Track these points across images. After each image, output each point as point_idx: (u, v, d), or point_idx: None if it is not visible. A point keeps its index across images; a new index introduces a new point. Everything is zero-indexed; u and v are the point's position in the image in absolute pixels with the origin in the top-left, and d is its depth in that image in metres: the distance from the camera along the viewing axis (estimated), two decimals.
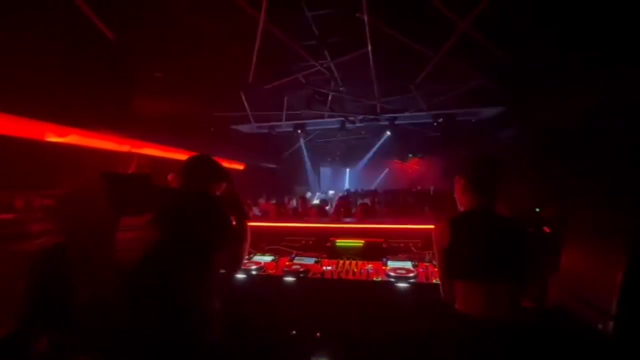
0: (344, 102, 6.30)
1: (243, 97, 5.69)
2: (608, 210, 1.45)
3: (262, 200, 6.54)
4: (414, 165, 14.50)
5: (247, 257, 1.47)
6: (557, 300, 1.56)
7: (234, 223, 1.36)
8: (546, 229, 2.28)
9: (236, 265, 1.36)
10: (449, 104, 6.23)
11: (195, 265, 1.21)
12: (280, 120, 6.80)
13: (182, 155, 5.80)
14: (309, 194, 9.36)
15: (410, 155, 13.53)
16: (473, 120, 7.36)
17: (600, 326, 1.26)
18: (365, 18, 3.36)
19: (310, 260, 2.31)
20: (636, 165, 2.55)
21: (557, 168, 4.38)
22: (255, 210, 5.74)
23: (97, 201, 1.75)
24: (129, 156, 4.59)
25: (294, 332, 2.13)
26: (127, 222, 1.29)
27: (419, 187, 10.73)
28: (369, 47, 3.94)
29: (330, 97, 5.81)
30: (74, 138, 2.81)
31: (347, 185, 13.28)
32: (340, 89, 5.44)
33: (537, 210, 2.35)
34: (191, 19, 3.40)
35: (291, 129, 7.37)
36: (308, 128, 7.54)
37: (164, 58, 4.27)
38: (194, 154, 1.50)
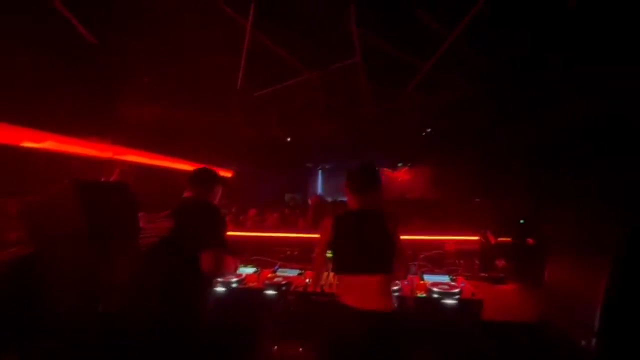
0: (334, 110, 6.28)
1: (232, 103, 5.63)
2: (592, 221, 1.44)
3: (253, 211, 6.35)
4: (403, 175, 14.56)
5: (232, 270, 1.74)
6: (543, 315, 1.54)
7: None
8: (530, 241, 2.28)
9: (218, 270, 1.51)
10: (439, 113, 6.28)
11: (193, 257, 1.41)
12: (271, 126, 6.74)
13: (168, 163, 5.67)
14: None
15: (400, 164, 13.59)
16: (462, 130, 7.44)
17: (583, 343, 1.23)
18: (354, 29, 3.37)
19: (293, 272, 2.24)
20: (621, 174, 2.57)
21: (542, 177, 4.43)
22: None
23: (68, 210, 1.67)
24: (112, 163, 4.46)
25: (275, 347, 2.06)
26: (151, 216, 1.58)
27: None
28: (358, 57, 3.95)
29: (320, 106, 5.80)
30: (50, 144, 2.71)
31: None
32: (330, 97, 5.44)
33: (522, 221, 2.35)
34: (179, 24, 3.36)
35: (283, 135, 7.31)
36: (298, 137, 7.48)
37: (152, 63, 4.21)
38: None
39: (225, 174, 7.52)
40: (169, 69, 4.33)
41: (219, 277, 1.78)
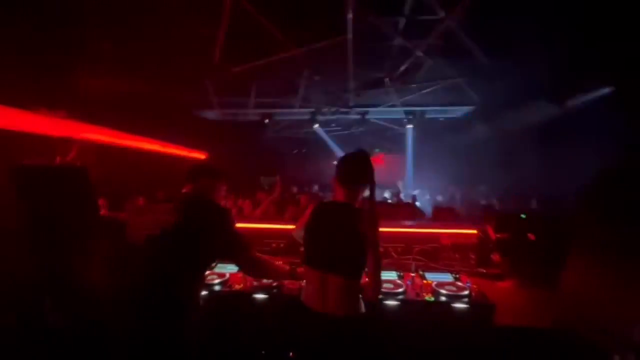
0: (316, 92, 5.99)
1: (207, 81, 5.15)
2: (619, 219, 1.33)
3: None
4: (379, 161, 14.61)
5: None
6: (559, 321, 1.43)
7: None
8: (531, 236, 2.21)
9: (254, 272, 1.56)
10: (421, 101, 6.21)
11: (191, 259, 1.30)
12: (247, 107, 6.33)
13: (133, 142, 5.12)
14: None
15: (377, 150, 13.58)
16: (441, 119, 7.46)
17: (617, 358, 1.13)
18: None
19: None
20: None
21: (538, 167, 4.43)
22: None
23: (3, 200, 1.31)
24: (68, 141, 3.92)
25: (263, 352, 1.86)
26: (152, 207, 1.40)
27: None
28: (349, 34, 3.67)
29: (302, 86, 5.49)
30: None
31: None
32: (314, 77, 5.12)
33: (523, 216, 2.27)
34: None
35: (258, 118, 6.93)
36: (278, 118, 7.14)
37: (116, 26, 3.65)
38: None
39: (199, 155, 7.03)
40: (135, 34, 3.81)
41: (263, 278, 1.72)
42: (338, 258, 1.28)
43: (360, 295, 1.32)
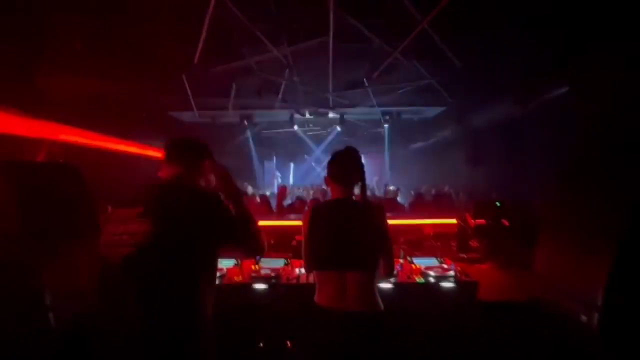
0: (296, 93, 6.05)
1: (185, 80, 5.05)
2: (579, 203, 1.51)
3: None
4: None
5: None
6: (534, 294, 1.60)
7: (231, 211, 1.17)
8: (505, 222, 2.41)
9: (256, 248, 1.23)
10: (397, 101, 6.45)
11: (190, 263, 1.06)
12: (226, 108, 6.26)
13: (105, 143, 4.92)
14: (250, 189, 8.76)
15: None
16: (416, 119, 7.76)
17: (584, 318, 1.30)
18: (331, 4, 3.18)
19: (278, 263, 2.07)
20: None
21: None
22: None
23: None
24: (37, 142, 3.72)
25: (261, 344, 1.90)
26: (119, 214, 1.10)
27: None
28: (330, 36, 3.77)
29: (282, 87, 5.53)
30: None
31: (291, 181, 12.92)
32: (294, 78, 5.18)
33: (498, 204, 2.47)
34: None
35: (237, 120, 6.88)
36: (256, 120, 7.11)
37: (86, 24, 3.52)
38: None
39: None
40: (108, 32, 3.69)
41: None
42: (359, 254, 1.26)
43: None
